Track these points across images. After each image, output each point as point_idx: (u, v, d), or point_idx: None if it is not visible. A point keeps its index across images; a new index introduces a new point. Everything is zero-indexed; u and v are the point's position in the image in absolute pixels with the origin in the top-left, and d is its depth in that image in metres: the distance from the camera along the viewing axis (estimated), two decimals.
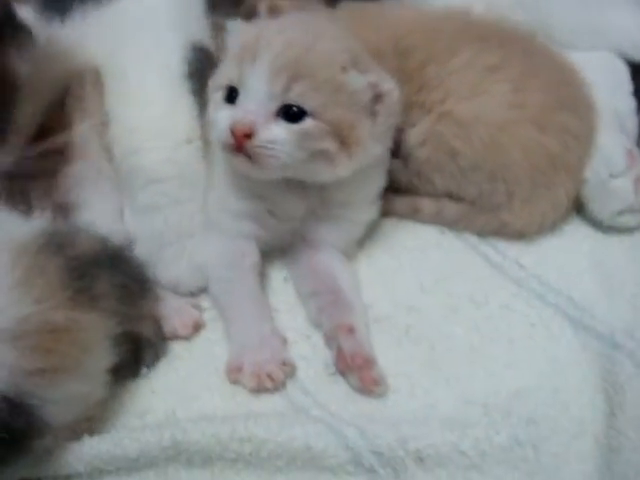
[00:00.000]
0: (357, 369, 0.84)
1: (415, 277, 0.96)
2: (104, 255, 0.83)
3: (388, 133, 0.92)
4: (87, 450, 0.77)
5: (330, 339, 0.88)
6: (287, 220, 0.94)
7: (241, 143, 0.83)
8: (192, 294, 0.95)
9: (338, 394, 0.84)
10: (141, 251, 0.93)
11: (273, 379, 0.84)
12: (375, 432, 0.77)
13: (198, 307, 0.94)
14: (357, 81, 0.86)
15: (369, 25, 1.02)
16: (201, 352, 0.90)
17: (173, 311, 0.91)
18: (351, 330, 0.87)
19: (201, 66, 0.96)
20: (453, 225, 1.01)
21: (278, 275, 0.98)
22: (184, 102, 0.94)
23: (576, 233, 1.01)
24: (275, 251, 0.98)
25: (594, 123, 1.01)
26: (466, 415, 0.81)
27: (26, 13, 0.93)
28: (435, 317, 0.92)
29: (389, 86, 0.87)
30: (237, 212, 0.93)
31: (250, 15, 1.05)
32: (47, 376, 0.72)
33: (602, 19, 1.13)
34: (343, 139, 0.85)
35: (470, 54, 0.98)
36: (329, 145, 0.85)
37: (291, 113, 0.83)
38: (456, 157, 0.96)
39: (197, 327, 0.91)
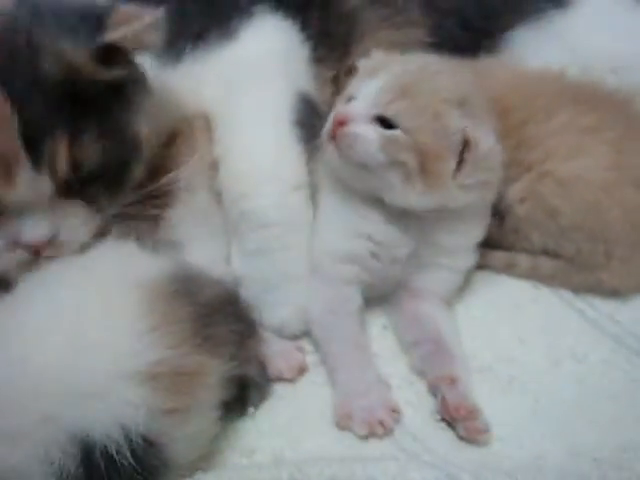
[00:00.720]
0: (461, 419, 0.85)
1: (513, 329, 0.99)
2: (226, 302, 0.86)
3: (483, 187, 0.94)
4: None
5: (434, 387, 0.90)
6: (390, 263, 0.96)
7: (335, 130, 0.91)
8: (295, 337, 0.97)
9: (446, 440, 0.86)
10: (246, 293, 0.95)
11: (384, 425, 0.85)
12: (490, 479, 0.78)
13: (302, 350, 0.96)
14: (453, 119, 0.90)
15: None
16: (305, 395, 0.92)
17: (278, 354, 0.93)
18: (453, 381, 0.89)
19: (308, 115, 1.00)
20: (548, 281, 1.03)
21: (377, 322, 1.00)
22: (293, 150, 0.98)
23: None
24: (373, 299, 0.99)
25: None
26: (576, 467, 0.82)
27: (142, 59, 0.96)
28: (537, 369, 0.94)
29: (475, 135, 0.90)
30: (341, 255, 0.96)
31: (350, 72, 1.08)
32: (177, 416, 0.74)
33: None
34: (424, 165, 0.89)
35: (568, 116, 1.01)
36: (409, 159, 0.89)
37: (386, 123, 0.90)
38: (556, 216, 0.99)
39: (302, 370, 0.93)
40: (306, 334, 0.97)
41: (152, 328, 0.75)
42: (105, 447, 0.69)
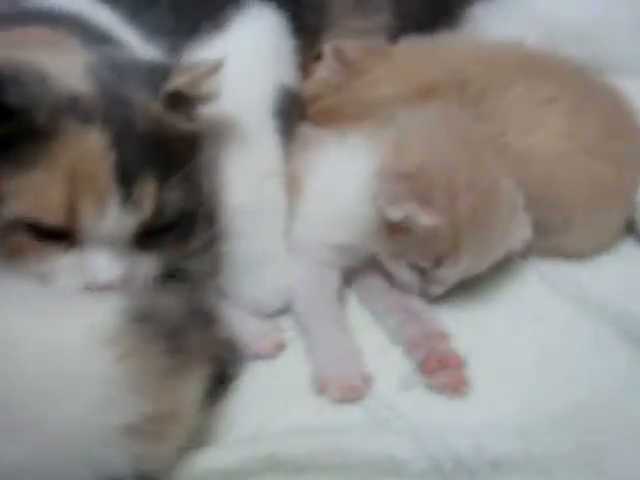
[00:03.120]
0: (451, 368, 0.91)
1: (475, 293, 1.04)
2: (191, 315, 0.86)
3: None
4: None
5: (415, 346, 0.95)
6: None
7: None
8: (272, 316, 1.03)
9: (416, 405, 0.91)
10: (228, 275, 1.01)
11: (356, 391, 0.91)
12: (454, 441, 0.83)
13: (279, 329, 1.01)
14: None
15: (428, 60, 1.10)
16: (283, 371, 0.97)
17: (257, 333, 0.99)
18: (443, 336, 0.96)
19: (287, 106, 1.06)
20: None
21: (353, 296, 1.06)
22: (270, 140, 1.04)
23: (630, 253, 1.09)
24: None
25: None
26: (534, 424, 0.87)
27: None
28: (498, 333, 0.99)
29: None
30: (326, 244, 1.03)
31: (318, 57, 1.13)
32: (163, 457, 0.79)
33: None
34: None
35: (525, 87, 1.05)
36: None
37: None
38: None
39: (280, 347, 0.99)
40: (283, 313, 1.03)
41: (121, 379, 0.75)
42: None
